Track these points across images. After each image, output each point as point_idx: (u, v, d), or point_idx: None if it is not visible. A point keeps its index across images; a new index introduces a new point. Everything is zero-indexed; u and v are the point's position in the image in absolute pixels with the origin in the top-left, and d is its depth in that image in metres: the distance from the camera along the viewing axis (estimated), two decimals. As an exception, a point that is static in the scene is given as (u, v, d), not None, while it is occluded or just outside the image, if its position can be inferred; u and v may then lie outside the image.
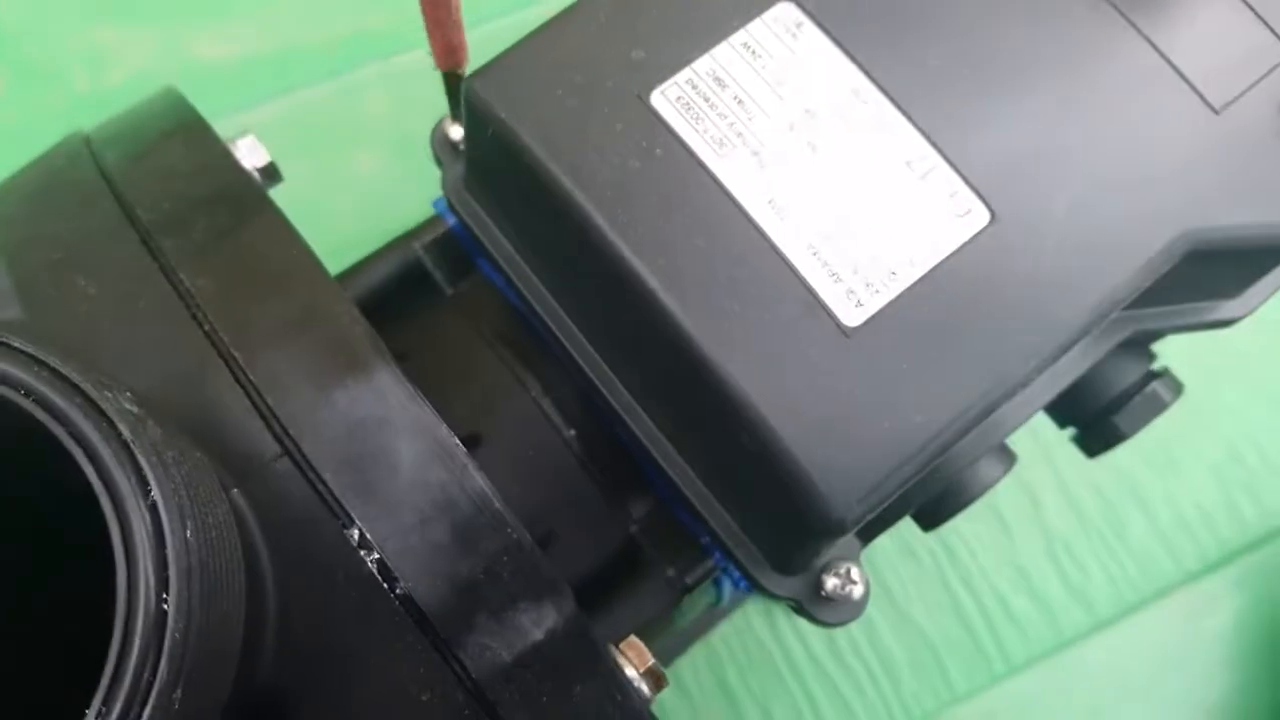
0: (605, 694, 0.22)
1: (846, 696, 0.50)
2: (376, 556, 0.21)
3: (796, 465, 0.22)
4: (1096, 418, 0.29)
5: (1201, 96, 0.25)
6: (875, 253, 0.23)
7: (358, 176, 0.54)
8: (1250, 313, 0.29)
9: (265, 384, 0.21)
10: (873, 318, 0.23)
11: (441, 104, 0.31)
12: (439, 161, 0.30)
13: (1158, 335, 0.29)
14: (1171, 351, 0.47)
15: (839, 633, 0.51)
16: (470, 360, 0.32)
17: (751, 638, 0.51)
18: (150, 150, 0.26)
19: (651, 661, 0.24)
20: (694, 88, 0.24)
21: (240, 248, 0.23)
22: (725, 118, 0.24)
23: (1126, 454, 0.53)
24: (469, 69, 0.26)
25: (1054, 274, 0.23)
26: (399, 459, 0.21)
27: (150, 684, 0.15)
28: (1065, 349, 0.23)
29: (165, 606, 0.15)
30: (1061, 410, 0.30)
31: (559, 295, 0.28)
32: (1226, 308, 0.28)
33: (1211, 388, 0.54)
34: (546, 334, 0.29)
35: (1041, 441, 0.53)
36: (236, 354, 0.22)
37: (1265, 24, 0.26)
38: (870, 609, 0.51)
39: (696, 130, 0.24)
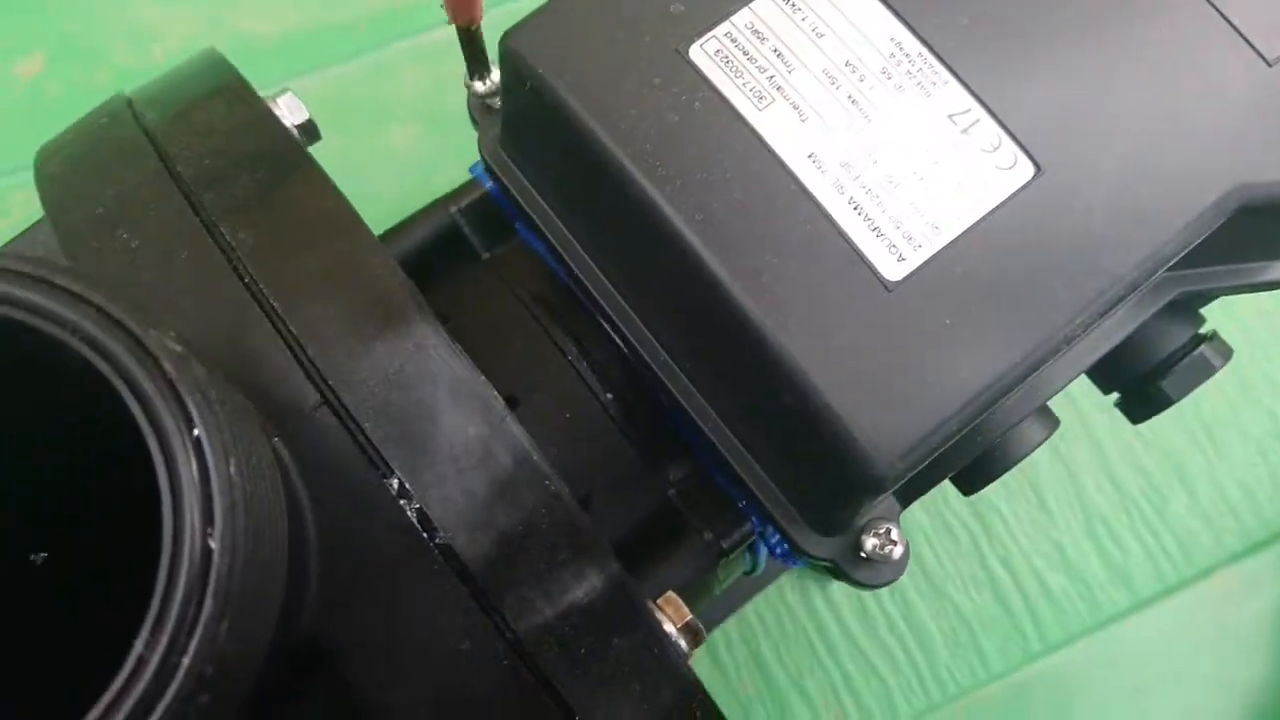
0: (643, 647, 0.22)
1: (881, 671, 0.50)
2: (417, 506, 0.21)
3: (838, 421, 0.22)
4: (1142, 382, 0.28)
5: (1254, 48, 0.25)
6: (917, 207, 0.23)
7: (391, 151, 0.55)
8: (1301, 274, 0.28)
9: (305, 335, 0.21)
10: (915, 272, 0.23)
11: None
12: (475, 122, 0.30)
13: (1207, 296, 0.28)
14: (1216, 326, 0.46)
15: (874, 608, 0.51)
16: (507, 323, 0.32)
17: (786, 611, 0.51)
18: (191, 109, 0.26)
19: (689, 616, 0.24)
20: (733, 41, 0.24)
21: (281, 202, 0.23)
22: (764, 71, 0.24)
23: (1170, 431, 0.52)
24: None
25: (1101, 229, 0.23)
26: (438, 410, 0.21)
27: (196, 617, 0.15)
28: (1112, 306, 0.23)
29: (210, 542, 0.15)
30: (1106, 374, 0.29)
31: (596, 254, 0.27)
32: (1274, 269, 0.28)
33: (1258, 364, 0.53)
34: (584, 295, 0.29)
35: (1082, 418, 0.52)
36: (276, 305, 0.22)
37: (1320, -26, 0.25)
38: (906, 585, 0.51)
39: (735, 84, 0.24)
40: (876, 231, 0.23)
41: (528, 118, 0.26)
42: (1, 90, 0.54)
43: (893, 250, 0.23)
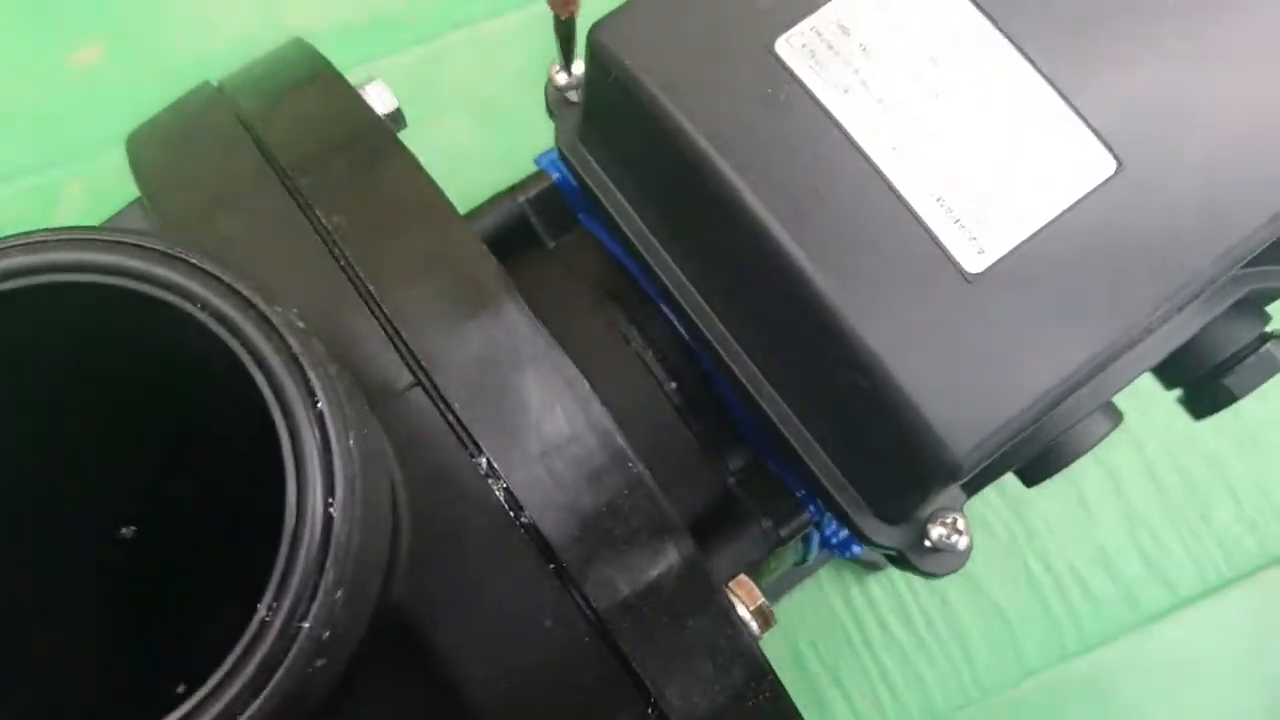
0: (717, 629, 0.23)
1: (918, 667, 0.50)
2: (504, 485, 0.21)
3: (915, 410, 0.22)
4: (1206, 379, 0.29)
5: (1334, 51, 0.25)
6: (998, 199, 0.23)
7: (444, 142, 0.55)
8: (1370, 276, 0.28)
9: (399, 317, 0.22)
10: (995, 264, 0.23)
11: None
12: (552, 114, 0.30)
13: (1275, 295, 0.28)
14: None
15: (911, 603, 0.51)
16: (573, 311, 0.33)
17: (824, 606, 0.51)
18: (285, 97, 0.27)
19: (761, 600, 0.24)
20: (819, 35, 0.25)
21: (375, 187, 0.24)
22: (849, 64, 0.24)
23: (1212, 435, 0.52)
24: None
25: (1180, 224, 0.23)
26: (526, 393, 0.22)
27: (317, 584, 0.15)
28: (1189, 301, 0.23)
29: (331, 511, 0.16)
30: (1170, 371, 0.30)
31: (671, 245, 0.28)
32: (1346, 270, 0.28)
33: None
34: (653, 284, 0.29)
35: (1126, 422, 0.52)
36: (372, 288, 0.22)
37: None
38: (945, 582, 0.51)
39: (821, 77, 0.24)
40: (958, 223, 0.23)
41: (611, 110, 0.26)
42: (55, 80, 0.55)
43: (973, 242, 0.23)
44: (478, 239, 0.23)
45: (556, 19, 0.27)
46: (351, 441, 0.16)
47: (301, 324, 0.17)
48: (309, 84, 0.26)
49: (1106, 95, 0.24)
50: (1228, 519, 0.52)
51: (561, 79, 0.29)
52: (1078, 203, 0.23)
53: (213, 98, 0.27)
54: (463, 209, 0.36)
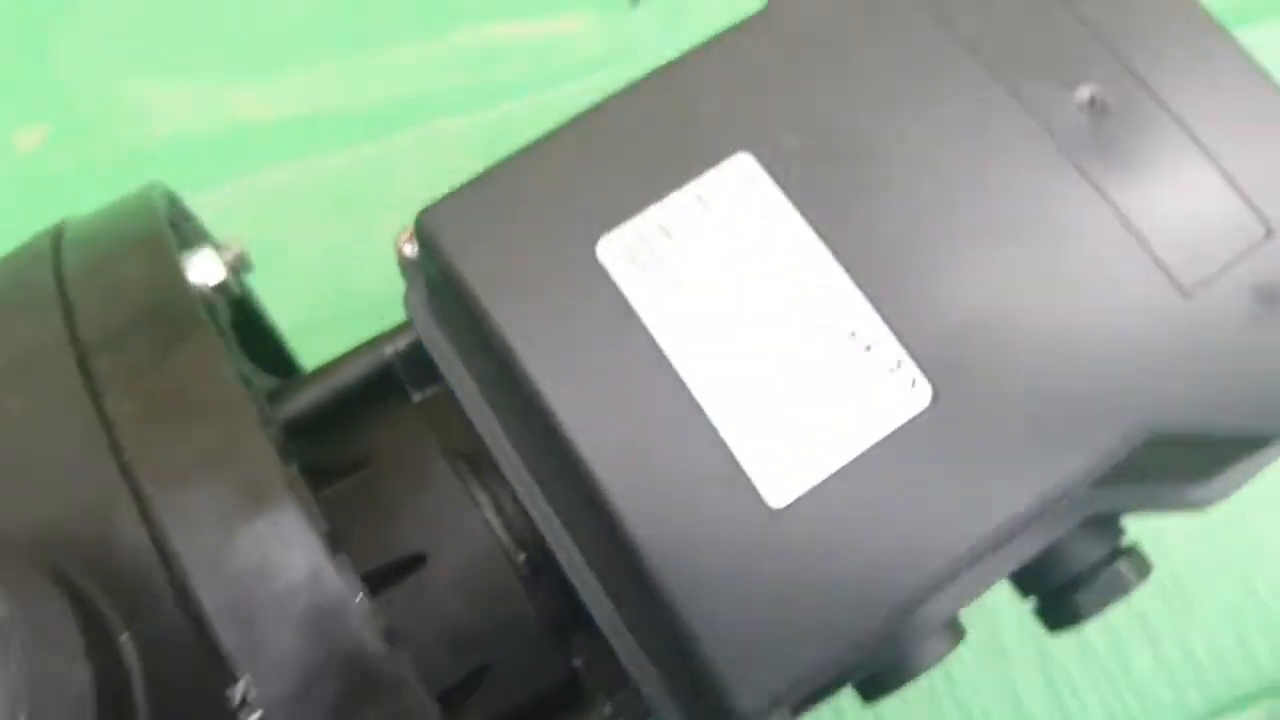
0: None
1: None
2: (259, 715, 0.20)
3: (703, 652, 0.21)
4: (1057, 594, 0.28)
5: (1170, 276, 0.24)
6: (809, 428, 0.22)
7: (385, 241, 0.55)
8: (1222, 499, 0.27)
9: (172, 524, 0.21)
10: (801, 498, 0.22)
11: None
12: (404, 274, 0.30)
13: (1124, 513, 0.27)
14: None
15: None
16: (426, 471, 0.32)
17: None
18: (108, 258, 0.26)
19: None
20: (641, 238, 0.24)
21: (171, 374, 0.23)
22: (668, 272, 0.24)
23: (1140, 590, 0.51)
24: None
25: (998, 460, 0.22)
26: (296, 616, 0.21)
27: None
28: (1006, 540, 0.22)
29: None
30: (1022, 582, 0.29)
31: (505, 427, 0.27)
32: (1197, 492, 0.27)
33: (1234, 524, 0.52)
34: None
35: None
36: (148, 488, 0.21)
37: (1244, 198, 0.25)
38: (858, 719, 0.49)
39: (638, 283, 0.23)
40: (765, 452, 0.22)
41: (442, 289, 0.26)
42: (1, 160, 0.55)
43: (779, 473, 0.22)
44: (267, 439, 0.22)
45: None
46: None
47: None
48: (135, 246, 0.26)
49: (931, 320, 0.23)
50: (1146, 670, 0.51)
51: (408, 250, 0.28)
52: (892, 434, 0.22)
53: (43, 251, 0.26)
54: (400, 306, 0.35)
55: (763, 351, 0.23)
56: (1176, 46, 0.26)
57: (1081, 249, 0.24)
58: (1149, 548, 0.50)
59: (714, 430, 0.23)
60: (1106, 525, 0.27)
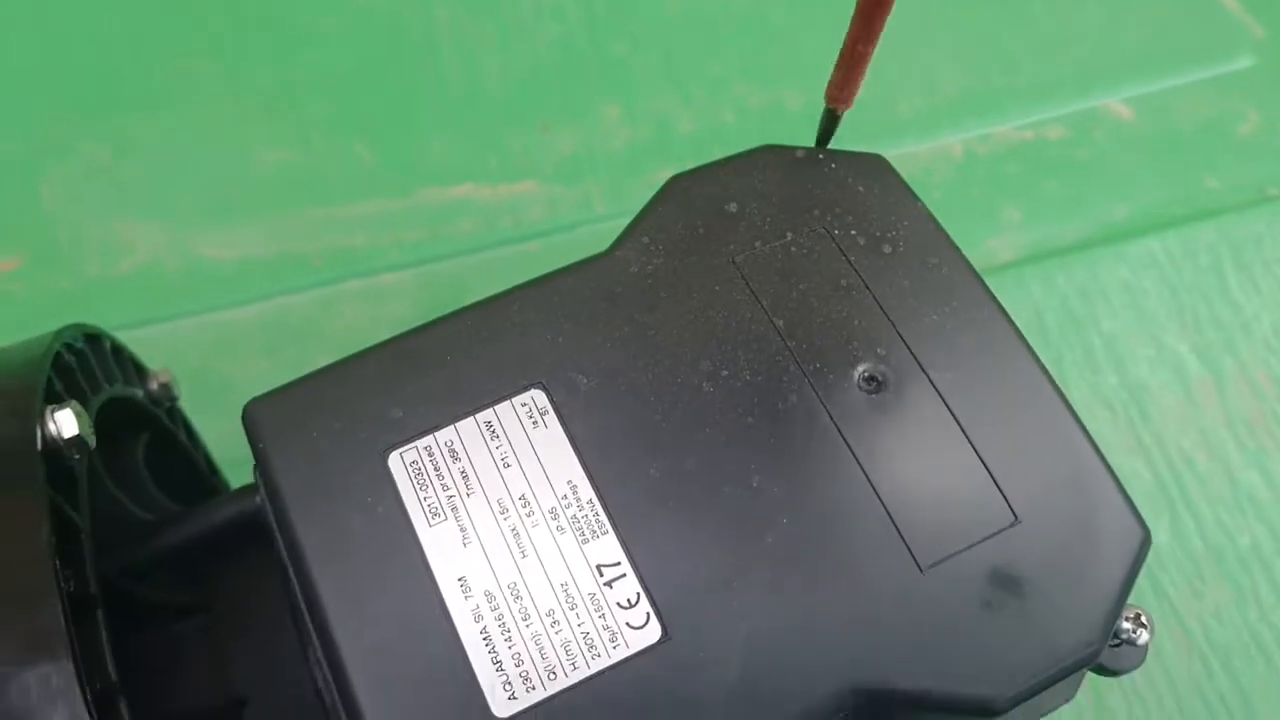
0: None
1: None
2: None
3: None
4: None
5: (910, 550, 0.26)
6: (543, 649, 0.25)
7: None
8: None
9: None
10: (521, 712, 0.24)
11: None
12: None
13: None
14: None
15: None
16: (270, 619, 0.34)
17: None
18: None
19: None
20: (429, 455, 0.27)
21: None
22: (447, 489, 0.26)
23: None
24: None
25: (712, 704, 0.24)
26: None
27: None
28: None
29: None
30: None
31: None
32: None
33: (1134, 711, 0.53)
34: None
35: None
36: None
37: (998, 486, 0.27)
38: None
39: (418, 496, 0.26)
40: (499, 666, 0.25)
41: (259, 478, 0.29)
42: None
43: (507, 687, 0.24)
44: (57, 592, 0.25)
45: (828, 108, 0.30)
46: None
47: None
48: (4, 397, 0.29)
49: (674, 567, 0.25)
50: None
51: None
52: (617, 664, 0.25)
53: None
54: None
55: (516, 573, 0.26)
56: (961, 333, 0.29)
57: (833, 516, 0.26)
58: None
59: (458, 640, 0.25)
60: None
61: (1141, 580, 0.57)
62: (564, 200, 0.67)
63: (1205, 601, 0.58)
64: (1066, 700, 0.29)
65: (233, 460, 0.49)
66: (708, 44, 0.72)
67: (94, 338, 0.37)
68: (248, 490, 0.37)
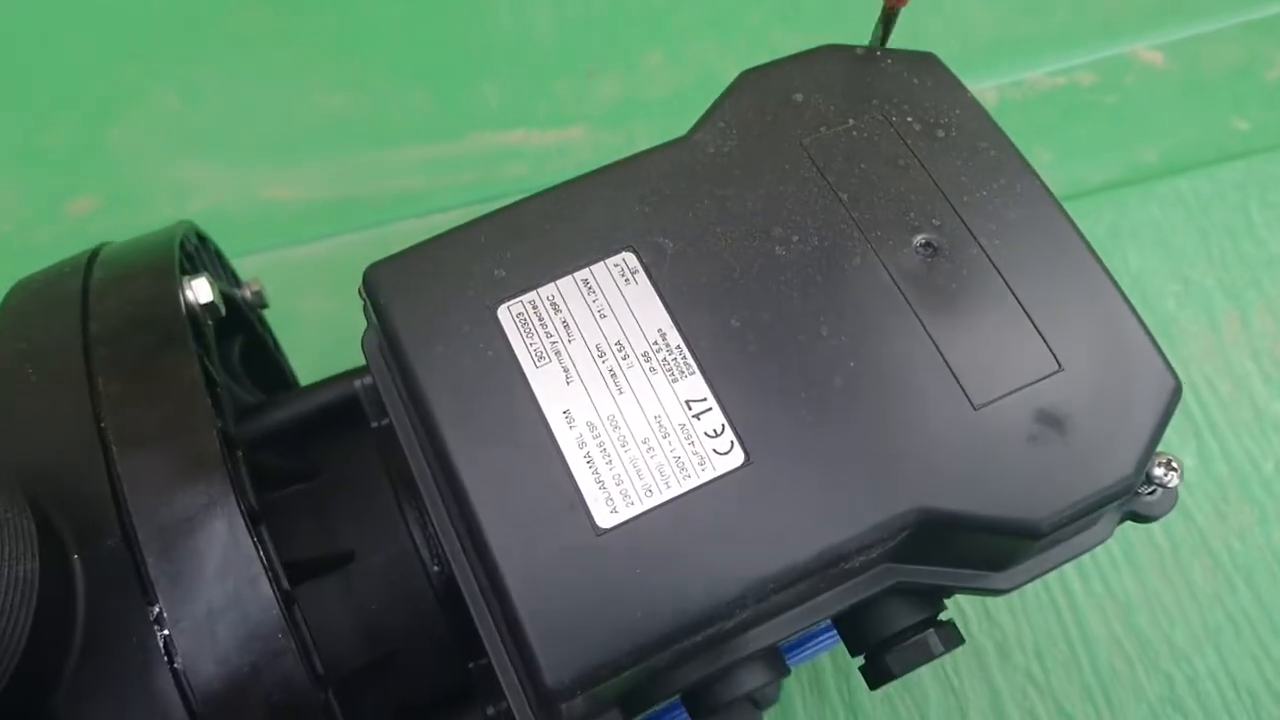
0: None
1: None
2: (166, 633, 0.26)
3: (525, 633, 0.26)
4: (873, 653, 0.32)
5: (964, 391, 0.29)
6: (639, 470, 0.28)
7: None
8: (1016, 588, 0.31)
9: (127, 477, 0.27)
10: (622, 524, 0.27)
11: None
12: (366, 318, 0.36)
13: (934, 590, 0.32)
14: (1130, 590, 0.51)
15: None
16: (368, 487, 0.38)
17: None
18: (127, 276, 0.33)
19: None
20: (534, 307, 0.30)
21: (153, 367, 0.30)
22: (550, 336, 0.30)
23: (1065, 682, 0.54)
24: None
25: (788, 519, 0.27)
26: (207, 560, 0.27)
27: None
28: (788, 587, 0.27)
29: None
30: (849, 641, 0.33)
31: (425, 450, 0.33)
32: (993, 579, 0.31)
33: (1159, 626, 0.56)
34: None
35: (978, 654, 0.55)
36: (114, 450, 0.27)
37: (1043, 339, 0.30)
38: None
39: (525, 342, 0.29)
40: (601, 484, 0.28)
41: (379, 330, 0.32)
42: (51, 226, 0.64)
43: (609, 502, 0.28)
44: (213, 422, 0.28)
45: (883, 11, 0.32)
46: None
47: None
48: (147, 270, 0.32)
49: (753, 401, 0.29)
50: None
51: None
52: (703, 485, 0.28)
53: (78, 266, 0.33)
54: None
55: (615, 406, 0.29)
56: (1009, 207, 0.32)
57: (894, 361, 0.29)
58: (1073, 647, 0.54)
59: (565, 462, 0.28)
60: (921, 598, 0.32)
61: (1167, 501, 0.59)
62: (610, 144, 0.70)
63: (1229, 523, 0.60)
64: (1101, 541, 0.32)
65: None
66: (748, -7, 0.75)
67: (203, 237, 0.41)
68: (347, 375, 0.40)
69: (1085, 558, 0.57)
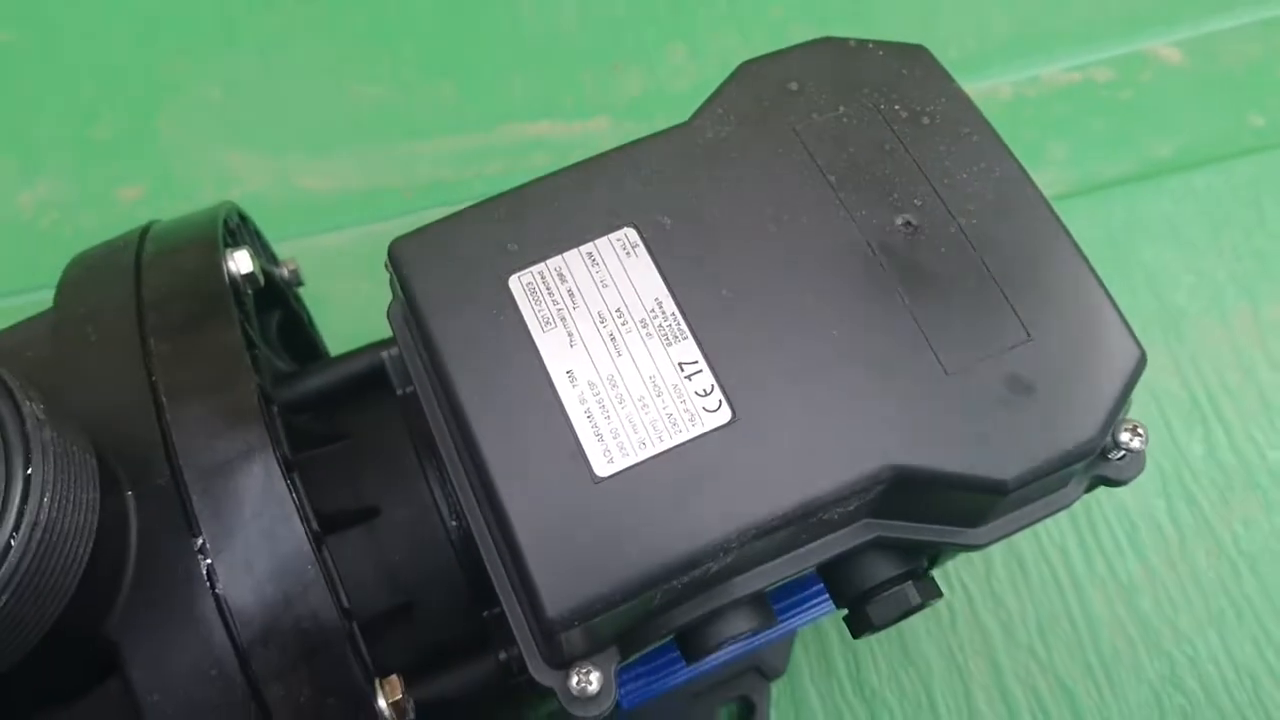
0: (351, 710, 0.29)
1: None
2: (208, 562, 0.29)
3: (527, 567, 0.29)
4: (855, 604, 0.34)
5: (938, 357, 0.31)
6: (634, 425, 0.31)
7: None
8: (990, 543, 0.34)
9: (176, 425, 0.30)
10: (618, 473, 0.30)
11: None
12: (391, 289, 0.39)
13: (916, 545, 0.34)
14: (1135, 573, 0.54)
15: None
16: (393, 449, 0.41)
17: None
18: (175, 249, 0.36)
19: (399, 697, 0.30)
20: (542, 278, 0.33)
21: (198, 330, 0.33)
22: (557, 304, 0.32)
23: (1068, 658, 0.56)
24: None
25: (767, 473, 0.30)
26: (246, 499, 0.30)
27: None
28: (766, 534, 0.30)
29: (11, 542, 0.23)
30: (833, 593, 0.35)
31: (441, 412, 0.36)
32: (968, 534, 0.34)
33: (1163, 608, 0.58)
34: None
35: (983, 631, 0.57)
36: (164, 400, 0.31)
37: (1014, 311, 0.32)
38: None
39: (533, 309, 0.32)
40: (599, 437, 0.30)
41: (403, 301, 0.35)
42: (104, 209, 0.67)
43: (607, 454, 0.30)
44: (254, 380, 0.31)
45: None
46: (45, 500, 0.24)
47: (43, 417, 0.25)
48: (195, 244, 0.36)
49: (741, 364, 0.31)
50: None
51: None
52: (693, 440, 0.30)
53: (131, 241, 0.37)
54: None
55: (613, 367, 0.31)
56: (987, 190, 0.34)
57: (873, 329, 0.32)
58: (1077, 627, 0.56)
59: (567, 417, 0.31)
60: (902, 553, 0.34)
61: (1174, 488, 0.61)
62: (632, 135, 0.71)
63: (1234, 510, 0.61)
64: (1071, 502, 0.34)
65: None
66: (769, -12, 0.77)
67: (244, 216, 0.44)
68: (375, 346, 0.43)
69: (1091, 541, 0.59)
